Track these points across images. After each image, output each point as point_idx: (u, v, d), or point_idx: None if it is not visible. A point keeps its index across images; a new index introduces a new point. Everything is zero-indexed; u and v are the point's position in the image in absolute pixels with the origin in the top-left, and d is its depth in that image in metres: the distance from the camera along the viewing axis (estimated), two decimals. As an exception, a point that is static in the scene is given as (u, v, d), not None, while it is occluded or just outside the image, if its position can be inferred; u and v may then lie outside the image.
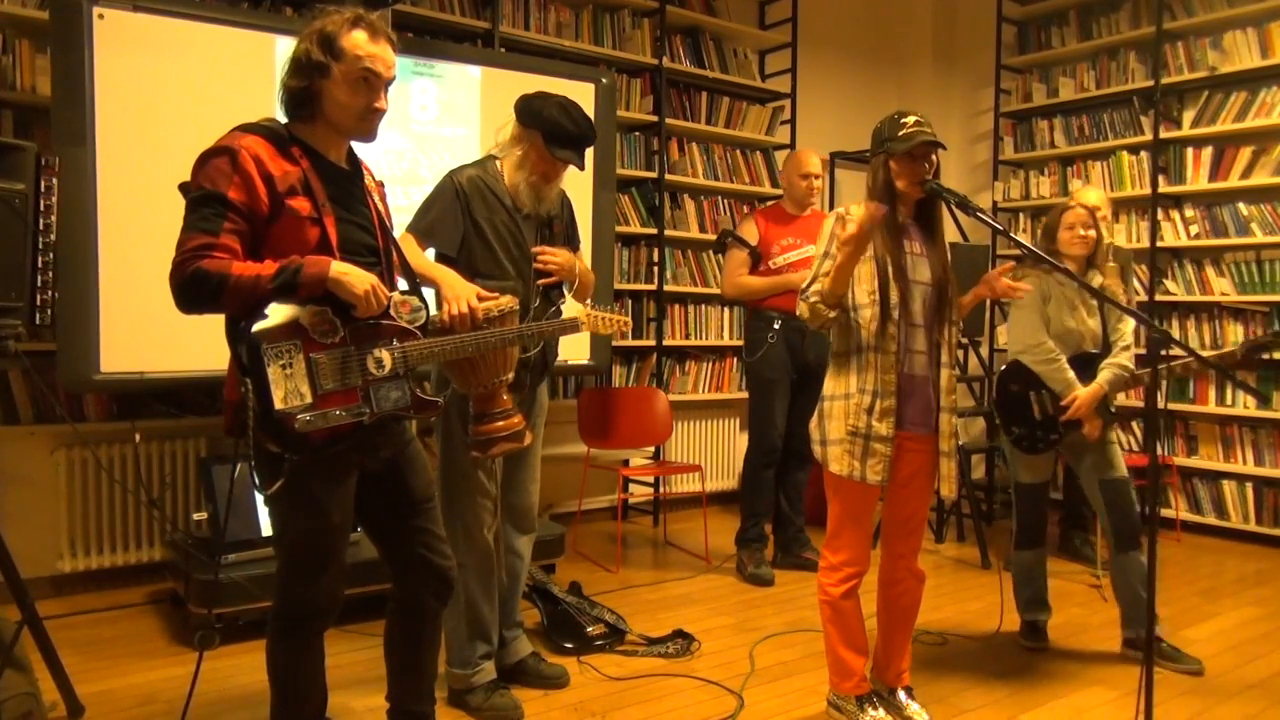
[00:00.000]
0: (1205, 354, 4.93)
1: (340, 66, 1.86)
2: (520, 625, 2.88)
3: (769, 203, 4.78)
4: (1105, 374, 3.02)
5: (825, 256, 2.47)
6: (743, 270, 4.06)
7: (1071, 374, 3.02)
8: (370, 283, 1.85)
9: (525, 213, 2.62)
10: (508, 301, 2.27)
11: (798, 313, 2.54)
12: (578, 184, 4.27)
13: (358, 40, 1.87)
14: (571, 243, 2.81)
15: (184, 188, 1.85)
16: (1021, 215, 5.95)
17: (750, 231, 4.07)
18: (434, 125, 3.93)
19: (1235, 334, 4.91)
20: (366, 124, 1.93)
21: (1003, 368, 3.20)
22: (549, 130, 2.53)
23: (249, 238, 1.81)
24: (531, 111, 2.57)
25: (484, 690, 2.65)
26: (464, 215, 2.55)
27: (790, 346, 3.99)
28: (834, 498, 2.53)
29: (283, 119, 1.94)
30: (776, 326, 3.97)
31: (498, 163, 2.64)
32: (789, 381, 4.03)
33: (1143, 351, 3.28)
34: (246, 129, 1.86)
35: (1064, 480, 4.62)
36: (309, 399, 1.79)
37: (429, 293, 2.18)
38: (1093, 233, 3.05)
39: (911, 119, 2.42)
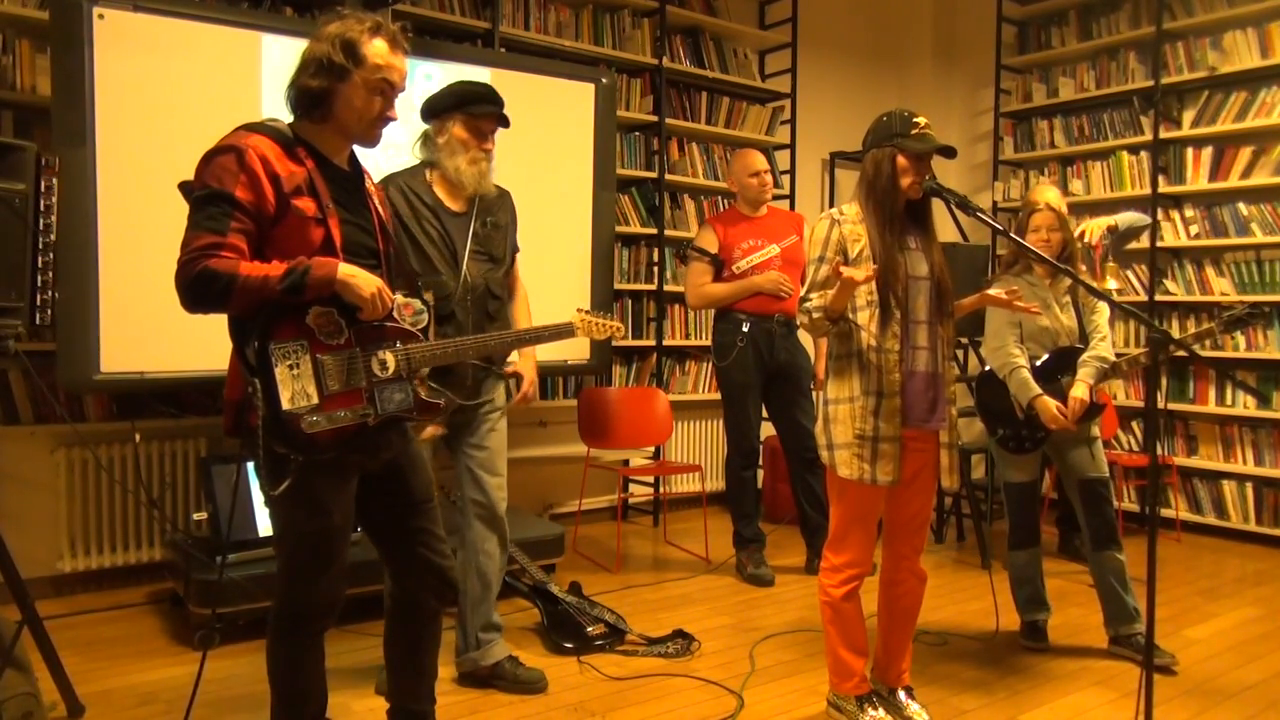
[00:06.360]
0: (1204, 354, 4.97)
1: (360, 73, 1.87)
2: (498, 629, 2.83)
3: (723, 209, 4.78)
4: (1085, 370, 3.04)
5: (820, 262, 2.46)
6: (705, 279, 4.02)
7: (1028, 379, 3.05)
8: (376, 285, 1.86)
9: (454, 211, 2.68)
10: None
11: (798, 323, 2.53)
12: (578, 184, 4.29)
13: (379, 49, 1.89)
14: (510, 243, 2.84)
15: (184, 187, 1.84)
16: (1022, 215, 5.94)
17: (709, 240, 4.03)
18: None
19: (1235, 334, 4.91)
20: (375, 130, 1.95)
21: (979, 372, 3.23)
22: (462, 99, 2.63)
23: (255, 237, 1.81)
24: (438, 100, 2.67)
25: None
26: (394, 218, 2.59)
27: (759, 348, 3.95)
28: (839, 500, 2.53)
29: (286, 119, 1.94)
30: (745, 329, 3.94)
31: (427, 171, 2.70)
32: (761, 383, 4.01)
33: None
34: (252, 128, 1.86)
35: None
36: (315, 400, 1.80)
37: None
38: (1058, 235, 3.11)
39: (922, 119, 2.45)
